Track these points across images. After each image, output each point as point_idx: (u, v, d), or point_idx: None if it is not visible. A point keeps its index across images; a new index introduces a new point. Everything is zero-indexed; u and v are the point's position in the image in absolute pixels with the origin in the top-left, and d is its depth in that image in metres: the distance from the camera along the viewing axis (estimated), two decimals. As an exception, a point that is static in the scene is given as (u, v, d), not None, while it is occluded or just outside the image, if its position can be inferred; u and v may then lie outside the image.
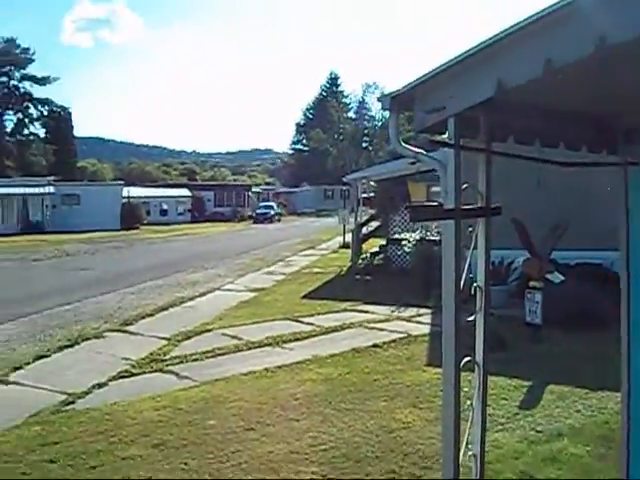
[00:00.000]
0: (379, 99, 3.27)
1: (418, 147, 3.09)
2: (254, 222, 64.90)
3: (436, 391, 7.97)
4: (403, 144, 3.05)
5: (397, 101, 2.98)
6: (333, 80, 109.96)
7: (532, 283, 10.45)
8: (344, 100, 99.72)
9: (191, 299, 16.86)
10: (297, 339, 11.73)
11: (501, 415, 7.44)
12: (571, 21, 2.21)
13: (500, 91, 2.47)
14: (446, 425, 3.29)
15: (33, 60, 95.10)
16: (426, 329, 12.41)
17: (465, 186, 3.03)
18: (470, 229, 3.27)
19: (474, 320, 3.51)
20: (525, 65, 2.35)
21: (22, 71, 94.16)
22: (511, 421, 7.32)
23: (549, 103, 3.18)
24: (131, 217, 55.75)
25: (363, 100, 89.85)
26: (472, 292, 3.45)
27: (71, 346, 11.52)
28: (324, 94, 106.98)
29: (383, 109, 3.06)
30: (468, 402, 3.53)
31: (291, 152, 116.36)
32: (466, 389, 3.57)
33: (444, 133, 2.96)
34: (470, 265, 3.38)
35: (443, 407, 3.39)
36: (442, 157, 3.05)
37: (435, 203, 3.22)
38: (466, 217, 3.09)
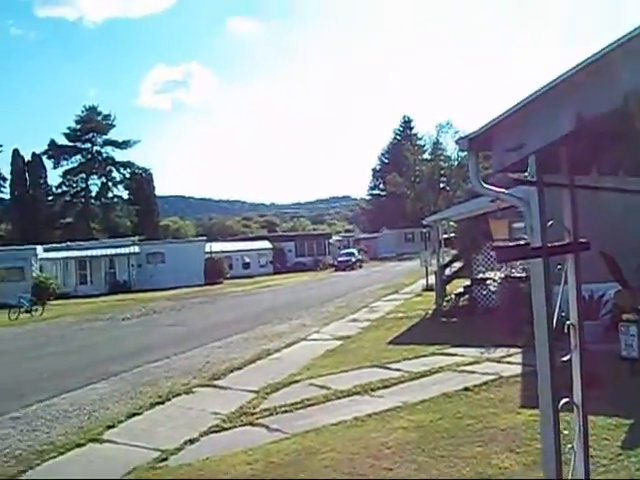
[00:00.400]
0: (457, 142, 3.24)
1: (498, 186, 3.04)
2: (336, 270, 65.04)
3: (533, 434, 7.69)
4: (484, 184, 3.00)
5: (475, 142, 2.94)
6: (406, 123, 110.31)
7: (625, 316, 10.08)
8: (418, 142, 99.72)
9: (277, 351, 16.91)
10: (386, 386, 11.57)
11: (603, 456, 7.10)
12: None
13: (580, 124, 2.41)
14: (547, 470, 3.16)
15: (114, 125, 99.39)
16: (518, 369, 12.06)
17: (551, 223, 2.96)
18: (559, 266, 3.18)
19: (569, 359, 3.39)
20: (604, 96, 2.29)
21: (104, 137, 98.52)
22: (614, 462, 6.97)
23: (631, 131, 3.08)
24: (214, 272, 56.75)
25: (437, 140, 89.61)
26: (565, 330, 3.33)
27: (162, 403, 11.67)
28: (398, 138, 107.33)
29: (461, 151, 3.03)
30: (569, 446, 3.39)
31: (369, 198, 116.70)
32: (565, 431, 3.43)
33: (525, 171, 2.91)
34: (561, 302, 3.27)
35: (542, 451, 3.26)
36: (524, 194, 2.99)
37: (521, 242, 3.14)
38: (554, 254, 3.01)
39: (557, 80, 2.47)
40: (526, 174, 2.92)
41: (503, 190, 3.01)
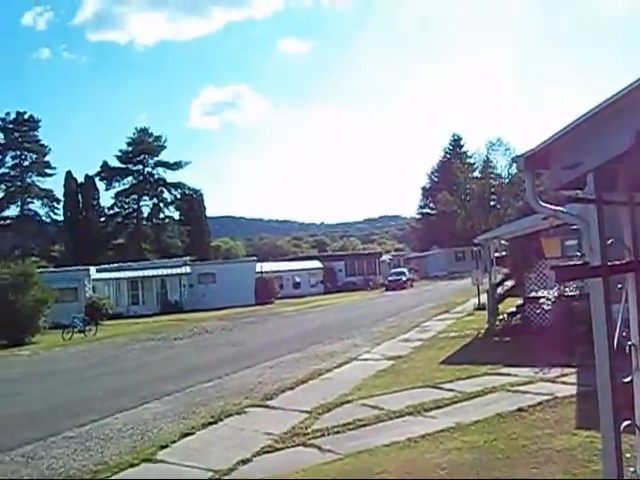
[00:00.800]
0: (513, 160, 3.23)
1: (554, 204, 3.00)
2: (386, 289, 64.80)
3: (590, 455, 7.51)
4: (542, 203, 2.97)
5: (531, 161, 2.92)
6: (456, 142, 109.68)
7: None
8: (468, 160, 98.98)
9: (329, 370, 16.86)
10: (438, 406, 11.44)
11: (667, 481, 6.90)
12: None
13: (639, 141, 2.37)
14: (609, 493, 3.08)
15: (165, 147, 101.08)
16: (573, 389, 11.80)
17: (610, 241, 2.91)
18: (619, 285, 3.12)
19: (631, 380, 3.31)
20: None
21: (155, 158, 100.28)
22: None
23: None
24: (265, 292, 57.04)
25: (488, 158, 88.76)
26: (626, 350, 3.26)
27: (214, 423, 11.72)
28: (448, 156, 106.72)
29: (518, 170, 3.00)
30: (631, 469, 3.30)
31: (419, 217, 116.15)
32: (627, 454, 3.34)
33: (582, 188, 2.86)
34: (621, 322, 3.20)
35: (603, 473, 3.18)
36: (580, 212, 2.94)
37: (579, 261, 3.08)
38: (614, 274, 2.95)
39: (616, 97, 2.43)
40: (582, 192, 2.88)
41: (561, 208, 2.97)
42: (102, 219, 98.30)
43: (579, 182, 2.86)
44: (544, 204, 3.00)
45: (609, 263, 2.88)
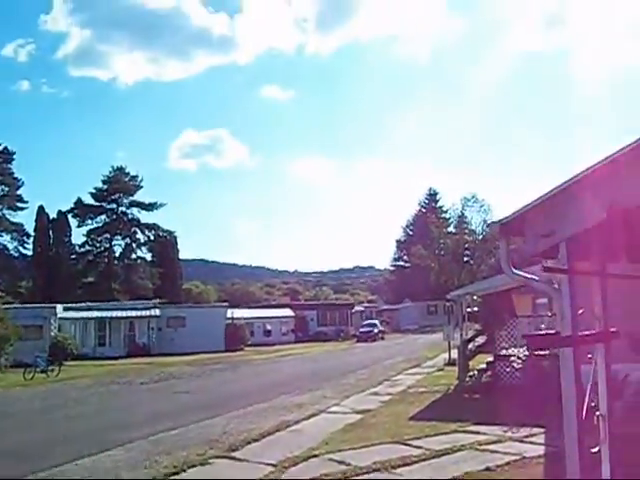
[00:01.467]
0: (488, 226, 3.26)
1: (528, 271, 3.01)
2: (358, 341, 64.57)
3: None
4: (515, 271, 2.98)
5: (506, 228, 2.94)
6: (432, 196, 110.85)
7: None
8: (443, 215, 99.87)
9: (297, 422, 16.64)
10: (406, 464, 11.29)
11: None
12: None
13: (612, 214, 2.40)
14: None
15: (141, 187, 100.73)
16: (541, 450, 11.75)
17: (581, 312, 2.92)
18: (589, 355, 3.12)
19: (599, 450, 3.29)
20: (637, 187, 2.29)
21: (130, 198, 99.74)
22: None
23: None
24: (235, 338, 56.53)
25: (463, 214, 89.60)
26: (594, 420, 3.25)
27: (176, 473, 11.46)
28: (423, 210, 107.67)
29: (493, 237, 3.02)
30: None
31: (392, 269, 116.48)
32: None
33: (555, 257, 2.88)
34: (590, 387, 3.20)
35: None
36: (553, 280, 2.95)
37: (551, 331, 3.09)
38: (584, 344, 2.95)
39: (589, 170, 2.47)
40: (555, 261, 2.90)
41: (534, 277, 2.98)
42: (72, 256, 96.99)
43: (552, 251, 2.88)
44: (517, 272, 3.02)
45: (580, 333, 2.89)
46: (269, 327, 68.44)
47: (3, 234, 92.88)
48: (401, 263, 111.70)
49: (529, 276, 3.04)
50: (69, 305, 55.31)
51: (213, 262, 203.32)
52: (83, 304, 58.49)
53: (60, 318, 50.57)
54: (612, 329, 3.14)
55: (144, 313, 56.14)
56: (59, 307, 51.92)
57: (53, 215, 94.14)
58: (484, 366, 22.26)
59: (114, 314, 54.99)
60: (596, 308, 3.17)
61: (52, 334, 46.85)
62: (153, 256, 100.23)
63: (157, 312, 56.62)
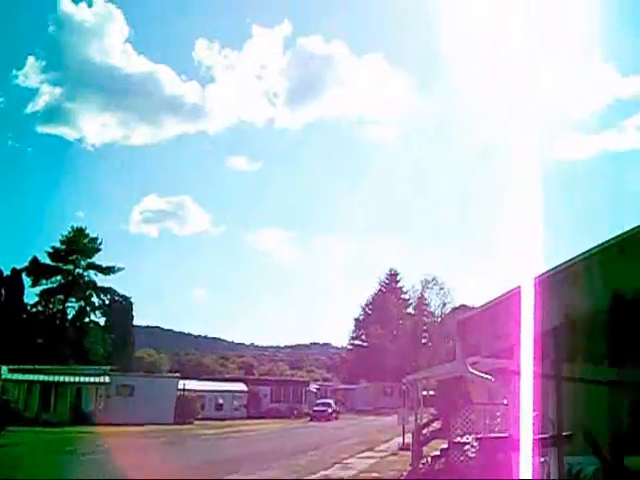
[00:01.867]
0: (446, 323, 3.18)
1: (485, 370, 2.94)
2: (311, 419, 63.64)
3: None
4: (470, 369, 2.92)
5: (463, 326, 2.89)
6: (392, 276, 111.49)
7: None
8: (403, 296, 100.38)
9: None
10: None
11: None
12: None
13: (567, 319, 2.36)
14: None
15: (99, 249, 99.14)
16: None
17: (535, 414, 2.84)
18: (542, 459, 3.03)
19: None
20: (592, 295, 2.26)
21: (88, 260, 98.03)
22: None
23: (616, 328, 3.05)
24: (185, 411, 55.28)
25: (422, 296, 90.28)
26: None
27: None
28: (383, 290, 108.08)
29: (450, 334, 2.96)
30: None
31: (350, 347, 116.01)
32: None
33: (511, 358, 2.83)
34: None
35: None
36: (507, 381, 2.89)
37: (504, 434, 3.01)
38: (537, 448, 2.87)
39: (545, 274, 2.44)
40: (510, 362, 2.84)
41: (490, 377, 2.92)
42: (24, 316, 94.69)
43: (508, 352, 2.83)
44: (473, 370, 2.95)
45: (534, 436, 2.81)
46: (221, 401, 67.13)
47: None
48: (359, 342, 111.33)
49: (484, 375, 2.98)
50: (16, 367, 53.61)
51: (168, 330, 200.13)
52: (30, 366, 56.72)
53: (4, 379, 49.00)
54: (566, 433, 3.07)
55: (93, 379, 54.66)
56: (4, 368, 50.35)
57: (7, 272, 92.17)
58: (438, 453, 21.95)
59: (61, 379, 53.40)
60: (550, 411, 3.10)
61: (-5, 396, 45.31)
62: (107, 321, 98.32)
63: (107, 379, 55.16)
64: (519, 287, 2.65)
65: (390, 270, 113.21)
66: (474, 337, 2.95)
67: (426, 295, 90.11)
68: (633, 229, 2.36)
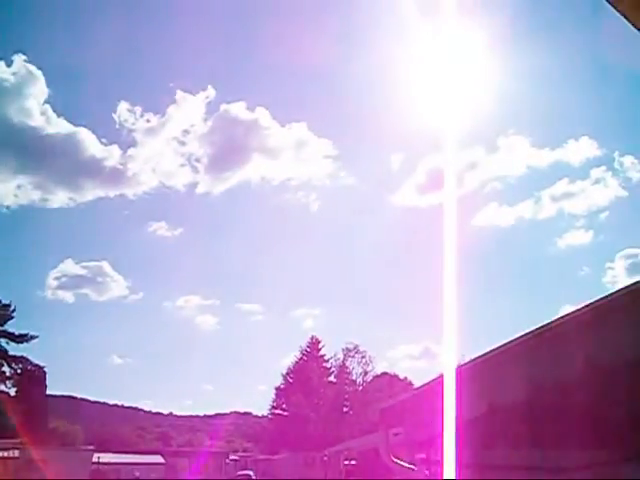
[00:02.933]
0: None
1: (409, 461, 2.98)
2: (230, 491, 62.14)
3: None
4: (394, 460, 2.95)
5: (386, 415, 2.93)
6: (314, 344, 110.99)
7: None
8: (325, 364, 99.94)
9: None
10: None
11: None
12: (555, 342, 2.25)
13: (491, 409, 2.43)
14: None
15: (12, 317, 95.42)
16: None
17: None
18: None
19: None
20: (514, 386, 2.35)
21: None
22: None
23: (537, 416, 3.14)
24: (100, 485, 53.26)
25: (344, 364, 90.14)
26: None
27: None
28: (305, 358, 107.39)
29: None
30: None
31: (270, 416, 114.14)
32: None
33: (434, 446, 2.87)
34: None
35: None
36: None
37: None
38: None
39: (467, 364, 2.52)
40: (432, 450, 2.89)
41: (413, 467, 2.96)
42: None
43: (431, 441, 2.87)
44: (396, 460, 2.98)
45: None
46: (137, 474, 64.85)
47: None
48: (280, 411, 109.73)
49: (408, 465, 3.01)
50: None
51: (83, 400, 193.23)
52: None
53: None
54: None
55: (1, 454, 52.11)
56: None
57: None
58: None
59: (-35, 454, 50.80)
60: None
61: None
62: (18, 391, 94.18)
63: (16, 453, 52.64)
64: (441, 376, 2.72)
65: (312, 338, 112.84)
66: (397, 425, 2.99)
67: (348, 363, 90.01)
68: (550, 322, 2.47)
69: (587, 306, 2.37)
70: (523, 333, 2.54)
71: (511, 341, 2.53)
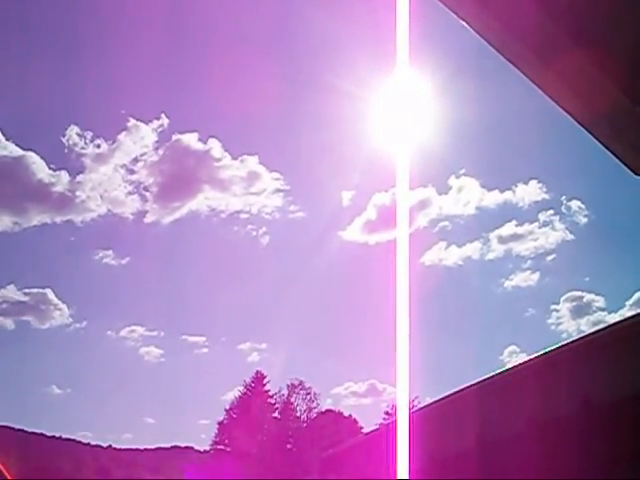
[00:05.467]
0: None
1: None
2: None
3: None
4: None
5: (327, 463, 2.81)
6: (258, 379, 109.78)
7: None
8: (269, 400, 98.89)
9: None
10: None
11: None
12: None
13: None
14: None
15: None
16: None
17: None
18: None
19: None
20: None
21: None
22: None
23: (486, 469, 3.08)
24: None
25: (288, 400, 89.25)
26: None
27: None
28: (249, 393, 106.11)
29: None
30: None
31: (212, 452, 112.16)
32: None
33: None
34: None
35: None
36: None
37: None
38: None
39: (416, 411, 2.42)
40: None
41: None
42: None
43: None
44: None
45: None
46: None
47: None
48: (222, 446, 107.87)
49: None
50: None
51: (19, 430, 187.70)
52: None
53: None
54: None
55: None
56: None
57: None
58: None
59: None
60: None
61: None
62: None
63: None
64: (387, 424, 2.62)
65: (256, 373, 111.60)
66: (338, 475, 2.87)
67: (292, 399, 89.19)
68: (497, 373, 2.40)
69: (536, 357, 2.32)
70: (472, 383, 2.46)
71: (460, 390, 2.44)
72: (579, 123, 3.28)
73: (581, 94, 2.97)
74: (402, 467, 2.51)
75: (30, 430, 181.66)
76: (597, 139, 3.34)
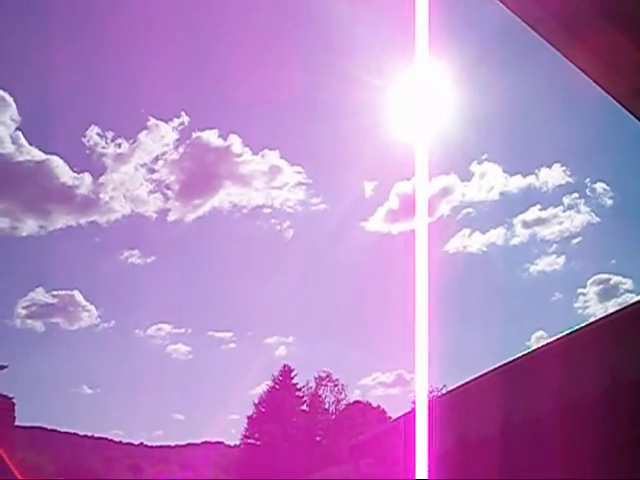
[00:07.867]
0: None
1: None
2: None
3: None
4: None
5: (357, 449, 2.89)
6: (286, 373, 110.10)
7: None
8: (297, 393, 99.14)
9: None
10: None
11: None
12: (532, 375, 2.25)
13: (462, 442, 2.42)
14: None
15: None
16: None
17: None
18: None
19: None
20: (484, 420, 2.34)
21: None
22: None
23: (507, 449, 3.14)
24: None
25: (316, 393, 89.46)
26: None
27: None
28: (277, 387, 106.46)
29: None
30: None
31: (242, 446, 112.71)
32: None
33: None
34: None
35: None
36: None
37: None
38: None
39: (441, 397, 2.50)
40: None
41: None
42: None
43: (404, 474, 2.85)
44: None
45: None
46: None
47: None
48: (252, 440, 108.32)
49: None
50: None
51: (53, 431, 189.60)
52: None
53: None
54: None
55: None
56: None
57: None
58: None
59: None
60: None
61: None
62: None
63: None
64: (413, 411, 2.70)
65: (284, 366, 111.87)
66: (367, 459, 2.96)
67: (320, 392, 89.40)
68: (522, 355, 2.47)
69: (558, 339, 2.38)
70: (495, 366, 2.53)
71: (483, 374, 2.51)
72: (615, 99, 3.30)
73: (617, 69, 2.97)
74: (421, 451, 2.59)
75: (63, 430, 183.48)
76: (633, 114, 3.35)
